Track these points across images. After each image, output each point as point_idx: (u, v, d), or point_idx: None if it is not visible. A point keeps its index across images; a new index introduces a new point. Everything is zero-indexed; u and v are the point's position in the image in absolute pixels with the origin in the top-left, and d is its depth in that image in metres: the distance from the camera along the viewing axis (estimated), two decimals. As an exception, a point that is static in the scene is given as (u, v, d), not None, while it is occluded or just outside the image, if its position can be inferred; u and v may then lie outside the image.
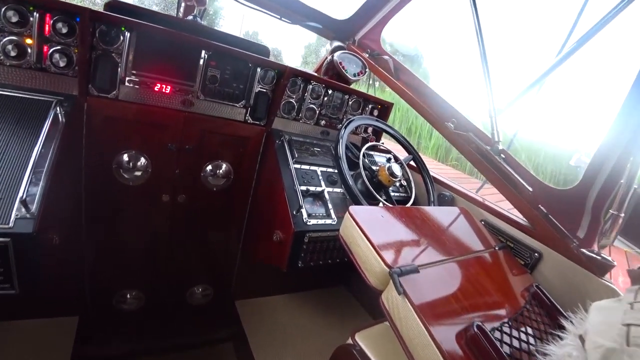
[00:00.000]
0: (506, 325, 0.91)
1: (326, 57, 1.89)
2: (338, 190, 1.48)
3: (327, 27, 2.08)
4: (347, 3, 2.06)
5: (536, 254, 1.30)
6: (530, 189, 1.38)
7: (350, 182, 1.27)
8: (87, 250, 1.37)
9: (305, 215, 1.29)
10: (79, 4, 1.20)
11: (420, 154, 1.70)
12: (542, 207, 1.33)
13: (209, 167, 1.47)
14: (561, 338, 0.88)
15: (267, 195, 1.51)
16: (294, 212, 1.27)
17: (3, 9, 1.01)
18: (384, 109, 1.90)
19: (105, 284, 1.49)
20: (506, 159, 1.48)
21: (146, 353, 1.54)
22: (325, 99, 1.68)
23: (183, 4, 1.53)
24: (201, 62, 1.32)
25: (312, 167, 1.50)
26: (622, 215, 1.14)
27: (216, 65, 1.36)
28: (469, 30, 1.53)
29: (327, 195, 1.42)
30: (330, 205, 1.39)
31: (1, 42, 1.03)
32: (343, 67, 1.78)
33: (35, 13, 1.05)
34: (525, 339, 0.92)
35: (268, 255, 1.42)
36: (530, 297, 1.13)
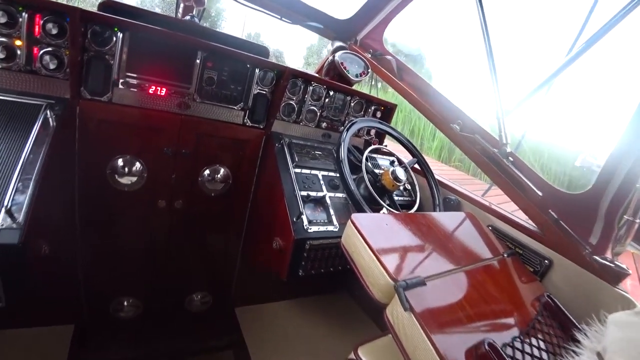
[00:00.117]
0: (518, 340, 0.87)
1: (327, 58, 1.85)
2: (340, 195, 1.43)
3: (328, 27, 2.04)
4: (349, 2, 2.02)
5: (546, 261, 1.26)
6: (540, 193, 1.33)
7: (353, 187, 1.22)
8: (81, 257, 1.34)
9: (305, 222, 1.24)
10: (79, 5, 1.17)
11: (423, 154, 1.66)
12: (552, 212, 1.29)
13: (207, 172, 1.43)
14: (576, 353, 0.84)
15: (267, 200, 1.47)
16: (294, 219, 1.22)
17: None
18: (387, 110, 1.85)
19: (101, 291, 1.46)
20: (514, 162, 1.43)
21: None
22: (327, 100, 1.63)
23: (182, 5, 1.49)
24: (197, 63, 1.28)
25: (313, 171, 1.45)
26: (638, 221, 1.09)
27: (213, 67, 1.31)
28: (474, 29, 1.49)
29: (328, 201, 1.37)
30: (332, 211, 1.35)
31: None
32: (345, 68, 1.74)
33: (24, 13, 1.01)
34: (539, 355, 0.87)
35: (268, 262, 1.37)
36: (541, 307, 1.08)
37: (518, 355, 0.82)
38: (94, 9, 1.18)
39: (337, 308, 2.03)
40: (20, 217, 0.81)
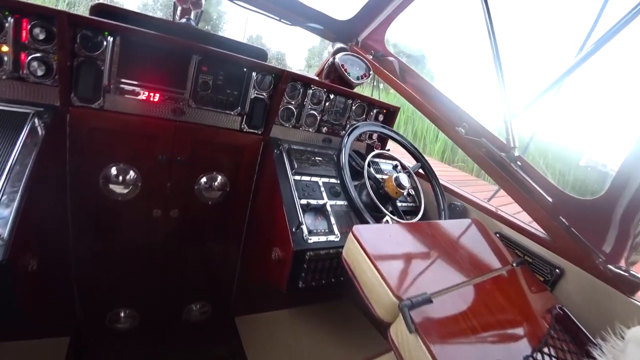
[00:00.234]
0: (531, 359, 0.81)
1: (328, 60, 1.80)
2: (341, 202, 1.38)
3: (328, 28, 1.99)
4: (349, 2, 1.98)
5: (557, 270, 1.21)
6: (550, 199, 1.28)
7: (354, 194, 1.17)
8: (76, 269, 1.30)
9: (305, 231, 1.19)
10: (75, 11, 1.13)
11: (425, 155, 1.60)
12: (562, 219, 1.23)
13: (203, 180, 1.38)
14: (593, 372, 0.79)
15: (266, 208, 1.42)
16: (293, 229, 1.18)
17: None
18: (390, 113, 1.80)
19: (96, 303, 1.42)
20: (523, 166, 1.38)
21: None
22: (327, 104, 1.58)
23: (179, 8, 1.45)
24: (191, 67, 1.23)
25: (313, 178, 1.40)
26: (655, 228, 1.04)
27: (208, 71, 1.27)
28: (479, 28, 1.44)
29: (329, 209, 1.32)
30: (333, 220, 1.29)
31: None
32: (345, 70, 1.68)
33: (10, 18, 0.97)
34: (554, 375, 0.82)
35: (267, 273, 1.33)
36: (553, 320, 1.03)
37: (532, 376, 0.77)
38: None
39: (339, 316, 1.97)
40: (5, 233, 0.77)
